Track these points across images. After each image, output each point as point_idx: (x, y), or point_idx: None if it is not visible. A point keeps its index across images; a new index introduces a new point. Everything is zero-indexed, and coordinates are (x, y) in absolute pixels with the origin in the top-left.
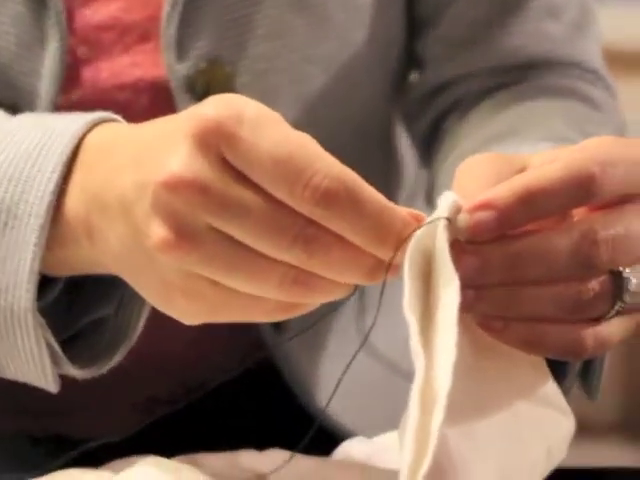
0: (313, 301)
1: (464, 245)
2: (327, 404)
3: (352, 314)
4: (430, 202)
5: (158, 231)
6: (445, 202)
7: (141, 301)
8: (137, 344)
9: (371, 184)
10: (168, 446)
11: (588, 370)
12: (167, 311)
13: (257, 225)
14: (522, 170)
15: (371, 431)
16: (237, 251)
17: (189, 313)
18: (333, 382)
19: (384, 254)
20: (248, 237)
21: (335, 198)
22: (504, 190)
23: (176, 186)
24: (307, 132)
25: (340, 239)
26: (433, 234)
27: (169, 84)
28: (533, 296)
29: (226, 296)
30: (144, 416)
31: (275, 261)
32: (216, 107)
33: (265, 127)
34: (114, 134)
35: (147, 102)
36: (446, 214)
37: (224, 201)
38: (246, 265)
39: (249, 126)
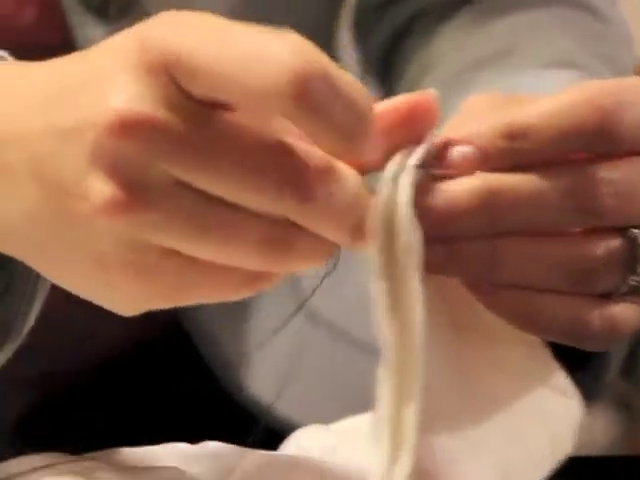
0: (289, 268)
1: (431, 186)
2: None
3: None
4: None
5: (102, 189)
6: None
7: (32, 284)
8: None
9: None
10: (71, 433)
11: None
12: (102, 299)
13: (234, 169)
14: None
15: (319, 419)
16: (207, 207)
17: (133, 298)
18: (265, 361)
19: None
20: (222, 185)
21: (313, 84)
22: (486, 126)
23: (124, 128)
24: None
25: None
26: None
27: None
28: (522, 254)
29: (183, 269)
30: (37, 397)
31: (254, 217)
32: (154, 25)
33: (212, 35)
34: (12, 73)
35: (32, 16)
36: (415, 160)
37: (189, 140)
38: (218, 225)
39: (196, 39)
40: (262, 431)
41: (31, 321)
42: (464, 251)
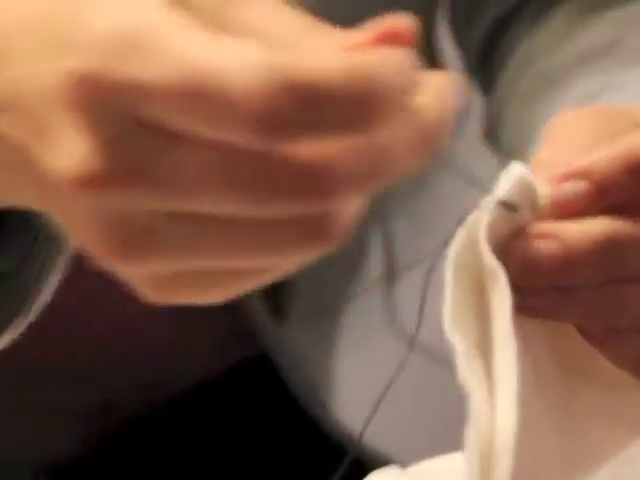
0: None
1: (543, 231)
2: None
3: (376, 288)
4: (493, 140)
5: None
6: (506, 179)
7: (59, 241)
8: (80, 331)
9: None
10: (134, 464)
11: None
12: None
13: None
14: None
15: (409, 454)
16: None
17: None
18: (352, 385)
19: None
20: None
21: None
22: (604, 154)
23: (86, 185)
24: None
25: None
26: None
27: None
28: None
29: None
30: (97, 427)
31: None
32: (88, 51)
33: (165, 48)
34: None
35: None
36: (500, 197)
37: (164, 177)
38: (233, 242)
39: (146, 56)
40: (350, 465)
41: (56, 279)
42: (581, 298)
